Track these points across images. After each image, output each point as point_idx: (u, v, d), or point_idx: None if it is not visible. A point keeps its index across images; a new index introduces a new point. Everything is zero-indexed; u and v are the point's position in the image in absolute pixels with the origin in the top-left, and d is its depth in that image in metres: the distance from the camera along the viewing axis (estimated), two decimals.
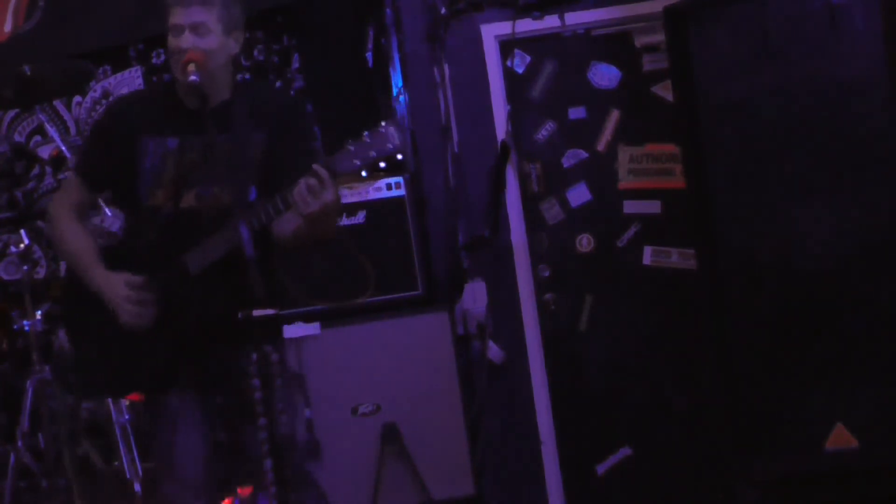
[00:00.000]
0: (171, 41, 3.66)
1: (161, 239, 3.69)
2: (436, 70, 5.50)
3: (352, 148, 3.41)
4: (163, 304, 3.66)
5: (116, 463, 4.84)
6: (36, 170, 5.87)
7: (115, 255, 3.78)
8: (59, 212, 3.87)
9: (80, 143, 5.81)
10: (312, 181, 3.40)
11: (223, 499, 4.25)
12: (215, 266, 3.60)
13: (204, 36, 3.62)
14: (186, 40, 3.61)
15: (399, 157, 3.44)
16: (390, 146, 3.39)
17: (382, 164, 3.42)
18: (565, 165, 5.56)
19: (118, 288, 3.67)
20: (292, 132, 3.76)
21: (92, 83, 5.83)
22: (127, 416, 4.89)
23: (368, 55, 5.55)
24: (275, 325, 3.68)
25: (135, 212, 3.79)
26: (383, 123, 3.41)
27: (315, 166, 3.42)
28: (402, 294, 5.16)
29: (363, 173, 3.44)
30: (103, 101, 5.86)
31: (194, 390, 3.73)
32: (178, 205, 3.67)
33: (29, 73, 4.98)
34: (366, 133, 3.42)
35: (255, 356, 3.40)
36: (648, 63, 5.51)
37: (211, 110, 3.65)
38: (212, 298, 3.63)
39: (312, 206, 3.42)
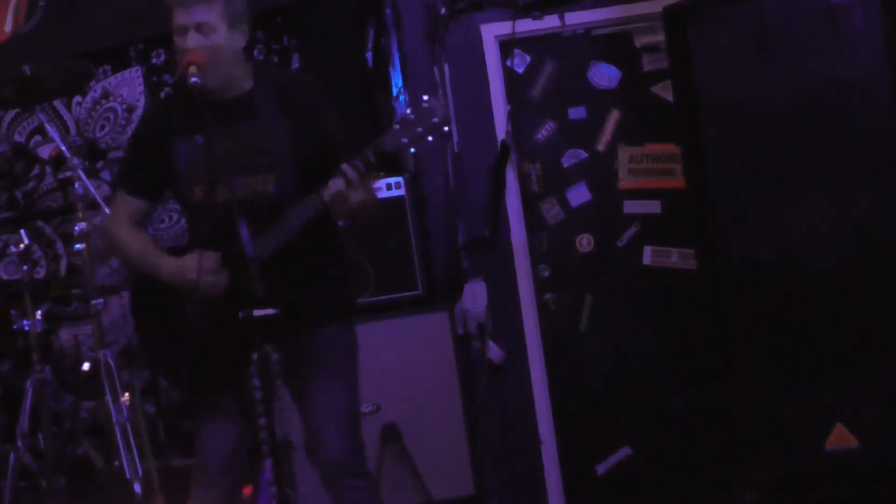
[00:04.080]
0: (177, 41, 3.69)
1: (215, 233, 3.69)
2: (436, 70, 5.50)
3: (398, 127, 3.51)
4: (231, 292, 3.65)
5: (116, 463, 4.84)
6: (36, 170, 5.87)
7: (180, 253, 3.79)
8: (113, 226, 3.90)
9: (80, 143, 5.81)
10: (342, 185, 3.51)
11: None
12: (283, 252, 3.59)
13: (208, 34, 3.65)
14: (192, 40, 3.64)
15: (445, 129, 3.54)
16: (435, 120, 3.50)
17: (430, 139, 3.52)
18: (565, 165, 5.56)
19: (189, 263, 3.66)
20: (318, 115, 3.79)
21: (92, 83, 5.83)
22: (127, 416, 4.89)
23: (368, 55, 5.55)
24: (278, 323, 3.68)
25: (186, 213, 3.90)
26: (425, 98, 3.53)
27: (344, 166, 3.52)
28: (402, 294, 5.16)
29: (412, 149, 3.52)
30: (103, 101, 5.86)
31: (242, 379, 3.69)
32: (215, 199, 3.67)
33: (29, 73, 4.98)
34: (409, 110, 3.51)
35: (255, 356, 3.41)
36: (648, 63, 5.51)
37: (235, 100, 3.72)
38: (280, 283, 3.57)
39: (345, 209, 3.56)
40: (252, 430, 3.69)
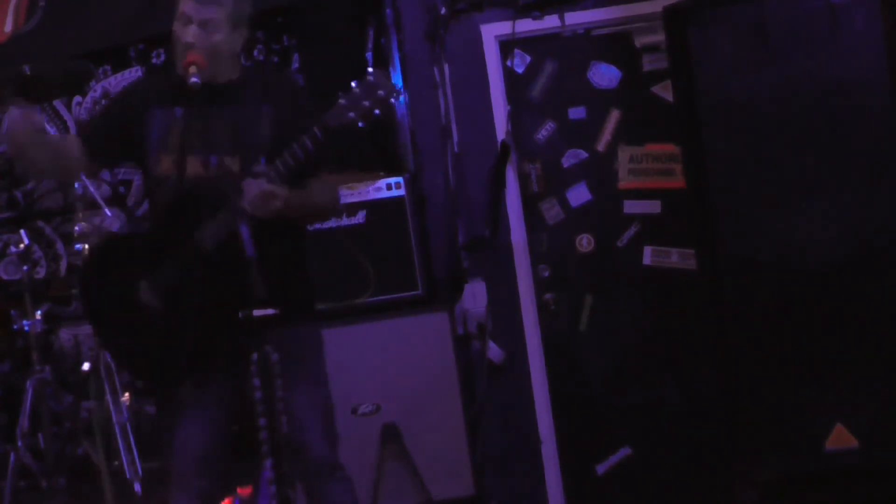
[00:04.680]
0: (178, 28, 3.69)
1: (173, 209, 3.66)
2: (436, 70, 5.51)
3: (343, 101, 3.44)
4: (180, 286, 3.60)
5: (116, 463, 4.84)
6: None
7: (138, 234, 3.75)
8: None
9: None
10: (255, 190, 3.46)
11: (224, 497, 4.25)
12: (229, 245, 3.52)
13: (211, 32, 3.65)
14: (192, 33, 3.64)
15: (392, 100, 3.47)
16: (381, 92, 3.43)
17: (377, 112, 3.43)
18: (565, 165, 5.56)
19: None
20: (297, 109, 3.76)
21: (92, 83, 5.83)
22: (127, 416, 4.89)
23: (368, 55, 5.55)
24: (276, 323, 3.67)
25: (147, 183, 3.82)
26: (370, 71, 3.45)
27: (246, 181, 3.47)
28: (402, 294, 5.15)
29: (360, 124, 3.45)
30: (103, 102, 5.86)
31: (212, 380, 3.69)
32: (183, 172, 3.62)
33: (29, 73, 4.98)
34: (354, 83, 3.44)
35: (255, 356, 3.40)
36: (648, 63, 5.51)
37: (220, 85, 3.70)
38: (225, 279, 3.53)
39: (265, 214, 3.49)
40: (228, 427, 3.71)
